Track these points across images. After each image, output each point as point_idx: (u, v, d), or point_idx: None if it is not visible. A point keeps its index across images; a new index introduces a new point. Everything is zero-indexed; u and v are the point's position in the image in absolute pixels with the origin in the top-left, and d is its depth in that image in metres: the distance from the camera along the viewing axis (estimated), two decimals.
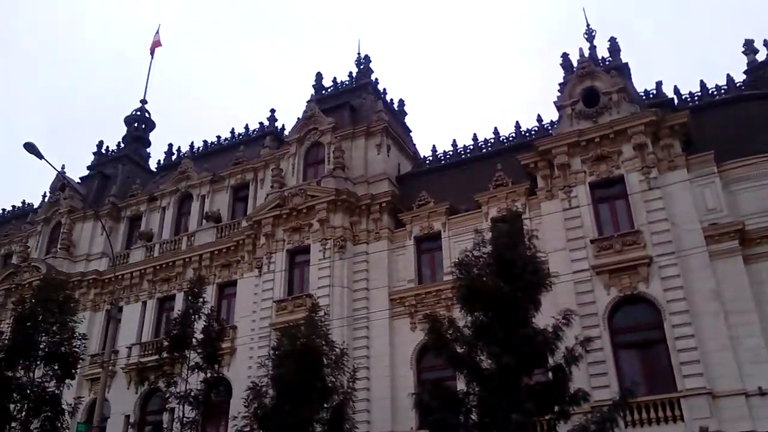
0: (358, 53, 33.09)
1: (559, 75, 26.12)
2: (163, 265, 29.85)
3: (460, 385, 17.63)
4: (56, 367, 23.12)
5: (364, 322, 23.87)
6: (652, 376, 19.61)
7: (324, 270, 24.72)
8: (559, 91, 25.45)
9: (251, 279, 27.09)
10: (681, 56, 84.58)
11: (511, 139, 27.89)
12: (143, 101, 41.06)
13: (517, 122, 28.16)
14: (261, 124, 34.58)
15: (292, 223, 26.32)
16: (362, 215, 25.94)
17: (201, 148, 35.67)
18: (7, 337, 23.98)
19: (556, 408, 15.60)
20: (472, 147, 28.53)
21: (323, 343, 19.33)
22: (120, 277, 30.17)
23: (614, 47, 26.29)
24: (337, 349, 19.43)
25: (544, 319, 16.37)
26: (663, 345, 19.76)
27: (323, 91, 32.39)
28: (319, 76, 32.96)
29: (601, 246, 21.54)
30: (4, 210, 42.46)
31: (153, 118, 41.42)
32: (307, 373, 18.22)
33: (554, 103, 24.81)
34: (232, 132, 35.27)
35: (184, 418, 21.18)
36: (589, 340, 16.36)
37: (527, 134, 27.56)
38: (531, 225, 21.54)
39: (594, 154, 22.91)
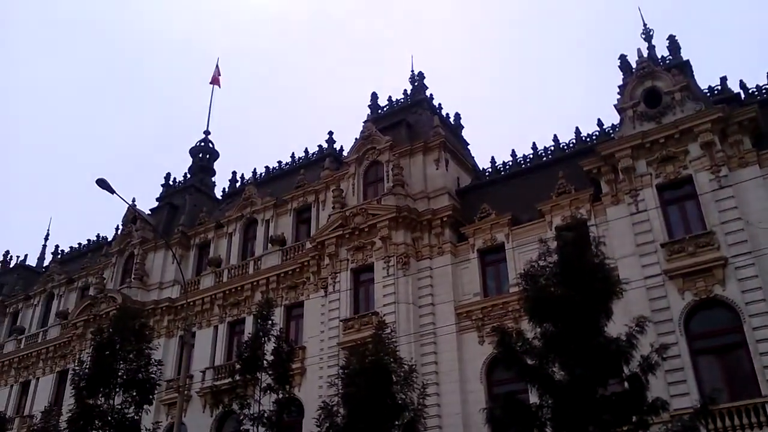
0: (412, 70, 33.31)
1: (618, 78, 25.59)
2: (232, 290, 30.50)
3: (533, 398, 17.24)
4: (134, 394, 23.84)
5: (431, 338, 23.73)
6: (734, 381, 18.77)
7: (389, 287, 24.76)
8: (618, 93, 24.89)
9: (317, 299, 27.37)
10: (745, 50, 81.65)
11: (571, 145, 27.44)
12: (206, 132, 42.43)
13: (576, 128, 27.69)
14: (320, 146, 35.15)
15: (355, 242, 26.52)
16: (424, 231, 25.91)
17: (263, 174, 36.53)
18: (87, 366, 24.90)
19: (634, 418, 15.04)
20: (531, 156, 28.20)
21: (392, 360, 19.29)
22: (192, 303, 30.95)
23: (674, 45, 25.58)
24: (405, 366, 19.35)
25: (616, 327, 15.85)
26: (744, 349, 18.92)
27: (379, 110, 32.67)
28: (374, 96, 33.27)
29: (672, 249, 20.85)
30: (80, 244, 44.39)
31: (216, 147, 42.75)
32: (378, 390, 18.17)
33: (614, 106, 24.31)
34: (293, 156, 35.99)
35: None
36: (666, 347, 15.77)
37: (588, 139, 27.06)
38: (597, 232, 21.02)
39: (660, 156, 22.29)
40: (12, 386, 37.62)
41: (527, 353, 16.00)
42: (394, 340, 20.77)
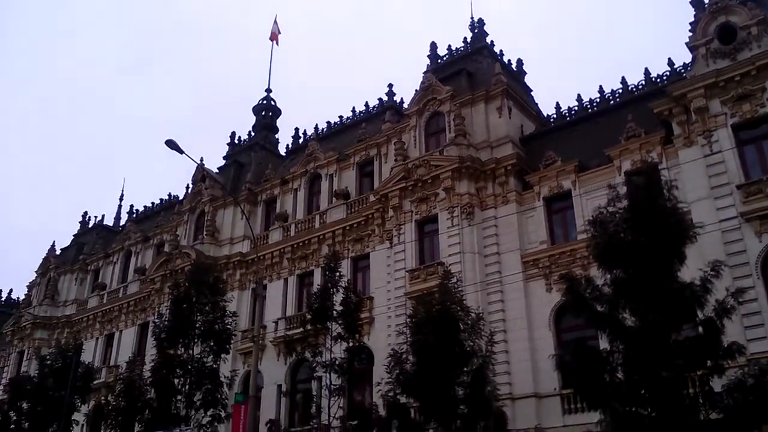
0: (471, 17, 32.63)
1: (690, 14, 24.40)
2: (300, 244, 31.20)
3: (603, 344, 17.18)
4: (212, 344, 24.93)
5: (497, 287, 23.79)
6: None
7: (453, 237, 24.82)
8: (690, 31, 23.77)
9: (383, 251, 27.73)
10: None
11: (640, 87, 26.51)
12: (268, 90, 42.96)
13: (646, 69, 26.66)
14: (380, 99, 35.08)
15: (419, 194, 26.58)
16: (488, 180, 25.74)
17: (325, 129, 36.84)
18: (167, 319, 26.13)
19: (709, 363, 14.85)
20: (598, 100, 27.42)
21: (458, 308, 19.51)
22: (262, 257, 31.87)
23: None
24: (472, 314, 19.55)
25: (690, 272, 15.52)
26: None
27: (439, 60, 32.25)
28: (433, 46, 32.80)
29: (749, 191, 20.11)
30: (153, 203, 46.09)
31: (278, 104, 43.25)
32: (445, 338, 18.46)
33: (686, 44, 23.26)
34: (353, 110, 36.09)
35: (332, 385, 22.21)
36: (742, 291, 15.36)
37: (658, 80, 26.07)
38: (669, 175, 20.36)
39: (735, 94, 21.33)
40: (98, 339, 39.87)
41: (597, 300, 15.90)
42: (460, 289, 20.95)
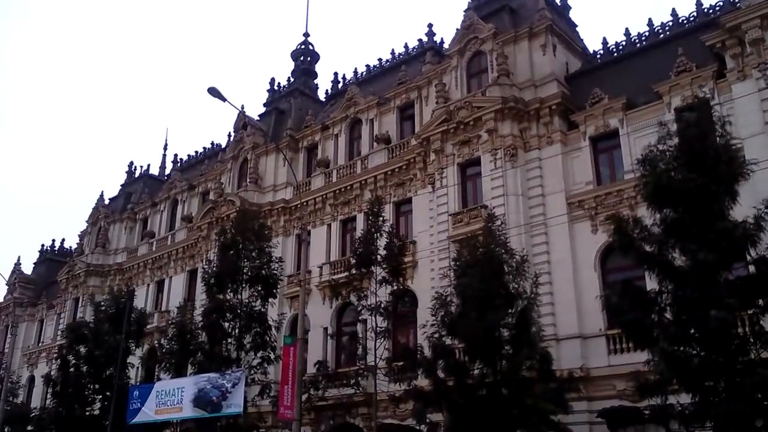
0: None
1: None
2: (342, 189, 31.29)
3: (649, 285, 16.96)
4: (259, 288, 25.53)
5: (542, 229, 23.56)
6: None
7: (497, 180, 24.54)
8: None
9: (425, 195, 27.65)
10: None
11: (692, 19, 25.36)
12: (306, 34, 42.42)
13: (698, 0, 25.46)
14: (420, 41, 34.44)
15: (461, 137, 26.22)
16: (532, 121, 25.20)
17: (364, 73, 36.47)
18: (215, 265, 26.75)
19: (760, 302, 14.58)
20: (647, 33, 26.35)
21: (503, 251, 19.46)
22: (305, 203, 32.11)
23: None
24: (517, 256, 19.49)
25: (742, 210, 15.09)
26: None
27: None
28: None
29: None
30: (196, 152, 46.71)
31: (316, 49, 42.80)
32: (490, 280, 18.49)
33: None
34: (393, 53, 35.53)
35: (377, 328, 22.57)
36: None
37: (710, 11, 24.89)
38: (721, 111, 19.66)
39: None
40: (148, 285, 41.11)
41: (645, 240, 15.65)
42: (504, 232, 20.85)
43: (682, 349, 14.64)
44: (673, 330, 14.79)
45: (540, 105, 24.99)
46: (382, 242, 24.12)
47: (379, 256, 23.65)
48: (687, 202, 14.90)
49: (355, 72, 36.84)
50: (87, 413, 30.10)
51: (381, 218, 24.40)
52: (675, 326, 14.85)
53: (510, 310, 18.73)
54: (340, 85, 38.05)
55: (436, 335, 19.23)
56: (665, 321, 15.12)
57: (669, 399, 15.20)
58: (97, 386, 30.58)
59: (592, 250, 22.62)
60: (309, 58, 42.29)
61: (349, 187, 31.01)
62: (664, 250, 15.44)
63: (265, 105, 40.53)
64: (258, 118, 38.88)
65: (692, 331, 14.73)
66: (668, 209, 15.44)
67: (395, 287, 24.01)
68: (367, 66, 36.44)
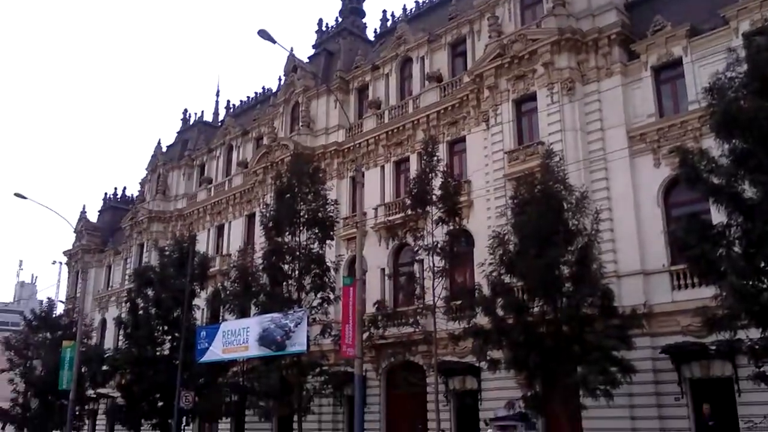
0: None
1: None
2: (394, 130, 31.05)
3: (715, 220, 16.47)
4: (317, 231, 25.89)
5: (601, 164, 22.98)
6: None
7: (554, 115, 23.91)
8: None
9: (479, 133, 27.21)
10: None
11: None
12: None
13: None
14: None
15: (515, 72, 25.50)
16: (590, 52, 24.27)
17: (414, 10, 35.62)
18: (272, 209, 27.17)
19: None
20: None
21: (562, 187, 19.15)
22: (357, 145, 32.07)
23: None
24: (577, 193, 19.16)
25: None
26: None
27: None
28: None
29: None
30: (248, 97, 46.97)
31: None
32: (549, 217, 18.30)
33: None
34: None
35: (435, 267, 22.70)
36: None
37: None
38: None
39: None
40: (209, 230, 42.14)
41: (713, 172, 15.15)
42: (562, 168, 20.46)
43: (751, 283, 14.33)
44: (741, 264, 14.43)
45: (598, 35, 24.00)
46: (436, 182, 24.04)
47: (434, 196, 23.62)
48: (758, 131, 14.28)
49: (404, 9, 36.03)
50: (158, 353, 31.51)
51: (435, 158, 24.21)
52: (744, 260, 14.48)
53: (570, 248, 18.57)
54: (389, 23, 37.29)
55: (495, 273, 19.26)
56: (733, 255, 14.74)
57: (737, 334, 15.01)
58: (166, 327, 31.88)
59: (655, 184, 22.00)
60: None
61: (401, 128, 30.74)
62: (733, 182, 14.95)
63: (314, 47, 40.22)
64: (307, 61, 38.64)
65: (762, 264, 14.36)
66: (737, 139, 14.87)
67: (451, 227, 24.00)
68: (417, 2, 35.58)
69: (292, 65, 37.16)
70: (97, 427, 44.70)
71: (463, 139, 28.57)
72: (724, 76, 15.42)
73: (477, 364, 22.50)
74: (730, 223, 14.96)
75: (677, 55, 22.46)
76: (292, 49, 36.96)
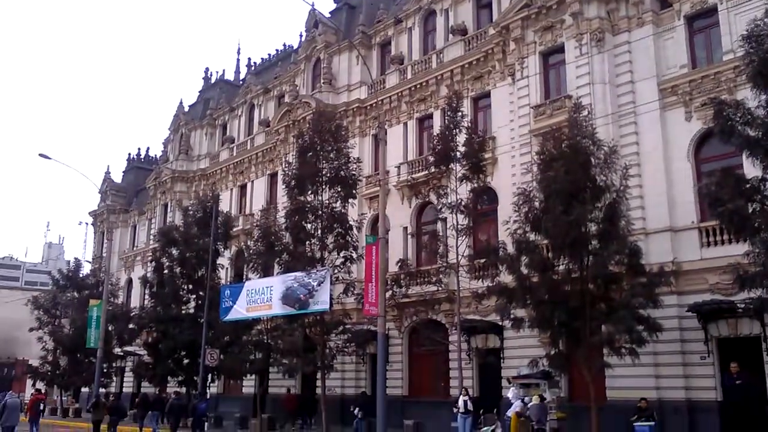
0: None
1: None
2: (417, 86, 30.40)
3: (747, 175, 15.86)
4: (339, 189, 25.62)
5: (631, 118, 22.24)
6: None
7: (582, 68, 23.13)
8: None
9: (504, 88, 26.51)
10: None
11: None
12: None
13: None
14: None
15: (543, 23, 24.65)
16: (620, 1, 23.26)
17: None
18: (294, 168, 26.92)
19: None
20: None
21: (590, 142, 18.57)
22: (380, 102, 31.52)
23: None
24: (605, 148, 18.58)
25: None
26: None
27: None
28: None
29: None
30: (269, 54, 46.40)
31: None
32: (577, 173, 17.78)
33: None
34: None
35: (459, 225, 22.37)
36: None
37: None
38: None
39: None
40: (231, 189, 42.12)
41: (748, 124, 14.52)
42: (591, 122, 19.83)
43: None
44: None
45: None
46: (460, 139, 23.55)
47: (458, 153, 23.17)
48: None
49: None
50: (183, 311, 31.86)
51: (460, 113, 23.68)
52: None
53: (597, 204, 18.08)
54: None
55: (520, 231, 18.88)
56: None
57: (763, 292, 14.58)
58: (190, 286, 32.20)
59: (686, 138, 21.27)
60: None
61: (424, 83, 30.09)
62: None
63: (335, 1, 39.38)
64: (329, 16, 37.89)
65: None
66: None
67: (476, 184, 23.58)
68: None
69: (314, 21, 36.46)
70: (124, 384, 45.71)
71: (488, 95, 27.89)
72: (762, 22, 14.67)
73: (500, 323, 22.28)
74: (765, 177, 14.39)
75: (712, 2, 21.46)
76: (313, 4, 36.25)
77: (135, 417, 30.28)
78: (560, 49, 24.19)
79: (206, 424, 26.56)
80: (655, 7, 22.84)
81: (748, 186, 14.57)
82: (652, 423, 17.57)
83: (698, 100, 20.88)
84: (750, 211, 14.37)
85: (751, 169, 15.70)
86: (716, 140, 18.48)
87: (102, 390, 36.84)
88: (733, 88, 20.09)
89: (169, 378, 31.60)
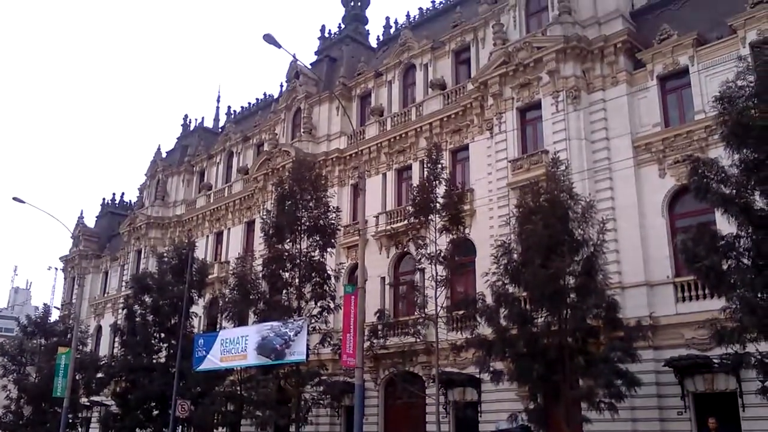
0: None
1: None
2: (397, 138, 30.82)
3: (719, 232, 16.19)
4: (318, 238, 25.57)
5: (606, 174, 22.74)
6: None
7: (558, 124, 23.70)
8: None
9: (483, 141, 26.98)
10: None
11: None
12: None
13: None
14: None
15: (520, 80, 25.30)
16: (595, 60, 24.07)
17: (417, 17, 35.61)
18: (273, 215, 26.86)
19: None
20: None
21: (568, 197, 18.88)
22: (359, 152, 31.81)
23: None
24: (582, 202, 18.89)
25: None
26: None
27: None
28: None
29: None
30: (249, 103, 46.82)
31: None
32: (555, 227, 18.02)
33: None
34: None
35: (438, 276, 22.38)
36: None
37: None
38: None
39: None
40: (207, 236, 41.79)
41: (722, 182, 14.90)
42: (568, 176, 20.19)
43: (761, 296, 14.05)
44: (751, 276, 14.15)
45: (604, 43, 23.81)
46: (440, 190, 23.77)
47: (437, 204, 23.35)
48: None
49: (408, 16, 36.00)
50: (154, 361, 31.11)
51: (440, 165, 23.98)
52: (754, 272, 14.20)
53: (575, 257, 18.28)
54: (392, 30, 37.19)
55: (499, 283, 18.95)
56: (743, 267, 14.47)
57: (746, 347, 14.73)
58: (162, 335, 31.52)
59: (660, 195, 21.76)
60: (359, 3, 41.38)
61: (404, 135, 30.51)
62: (743, 192, 14.69)
63: (316, 53, 40.06)
64: (310, 67, 38.46)
65: None
66: (748, 149, 14.62)
67: (454, 235, 23.72)
68: (420, 9, 35.55)
69: (294, 71, 36.97)
70: None
71: (466, 148, 28.34)
72: (734, 84, 15.20)
73: (478, 376, 22.15)
74: (739, 234, 14.69)
75: (683, 64, 22.27)
76: (295, 55, 36.67)
77: None
78: (537, 105, 24.78)
79: None
80: (628, 67, 23.62)
81: (723, 243, 14.85)
82: None
83: (671, 157, 21.46)
84: (725, 267, 14.61)
85: (724, 225, 16.07)
86: (689, 197, 18.98)
87: None
88: (705, 147, 20.69)
89: (137, 430, 30.61)
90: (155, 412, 30.07)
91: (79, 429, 41.75)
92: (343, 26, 40.15)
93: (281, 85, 40.38)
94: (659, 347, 20.32)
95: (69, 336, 38.89)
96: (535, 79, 24.83)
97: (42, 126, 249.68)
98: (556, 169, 19.78)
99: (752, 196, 14.62)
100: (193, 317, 32.41)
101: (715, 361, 18.30)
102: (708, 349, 18.62)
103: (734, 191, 14.65)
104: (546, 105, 24.31)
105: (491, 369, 19.14)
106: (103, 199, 60.27)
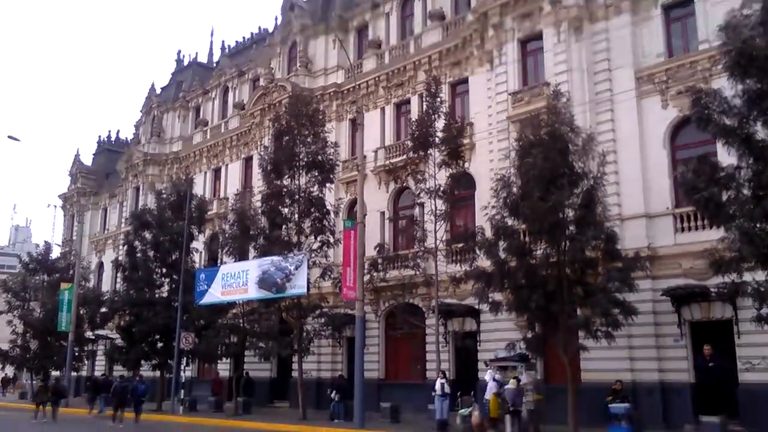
0: None
1: None
2: (395, 71, 30.33)
3: (724, 163, 16.17)
4: (316, 174, 25.56)
5: (607, 105, 22.50)
6: None
7: (560, 55, 23.30)
8: None
9: (483, 74, 26.60)
10: None
11: None
12: None
13: None
14: None
15: (521, 10, 24.75)
16: None
17: None
18: (271, 151, 26.74)
19: None
20: None
21: (569, 129, 18.76)
22: (357, 87, 31.38)
23: None
24: (583, 134, 18.78)
25: None
26: None
27: None
28: None
29: None
30: (244, 37, 45.87)
31: None
32: (555, 160, 17.96)
33: None
34: None
35: (437, 210, 22.47)
36: None
37: None
38: None
39: None
40: (205, 173, 41.60)
41: (725, 113, 14.79)
42: (569, 109, 20.02)
43: (759, 225, 14.15)
44: (750, 207, 14.22)
45: None
46: (439, 124, 23.61)
47: (436, 138, 23.23)
48: None
49: None
50: (156, 295, 31.53)
51: (439, 99, 23.71)
52: (753, 203, 14.26)
53: (575, 190, 18.30)
54: None
55: (498, 216, 19.03)
56: (743, 197, 14.51)
57: (743, 276, 14.95)
58: (164, 270, 31.84)
59: (662, 126, 21.61)
60: None
61: (402, 69, 30.03)
62: (745, 123, 14.61)
63: None
64: None
65: None
66: (751, 79, 14.45)
67: (454, 170, 23.69)
68: None
69: (290, 3, 36.10)
70: (96, 368, 45.20)
71: (465, 81, 27.95)
72: (740, 13, 14.90)
73: (477, 306, 22.52)
74: (740, 165, 14.68)
75: None
76: None
77: (87, 399, 31.05)
78: (538, 37, 24.33)
79: (143, 404, 25.90)
80: None
81: (723, 174, 14.85)
82: (627, 404, 17.95)
83: (674, 88, 21.22)
84: (725, 198, 14.66)
85: (725, 156, 16.03)
86: (691, 128, 18.85)
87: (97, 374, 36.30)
88: (709, 77, 20.42)
89: (142, 362, 31.31)
90: (160, 345, 30.69)
91: (86, 361, 42.75)
92: None
93: (276, 19, 39.60)
94: (657, 277, 20.57)
95: (71, 272, 39.30)
96: (536, 8, 24.30)
97: (36, 64, 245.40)
98: (557, 102, 19.59)
99: (754, 126, 14.54)
100: (194, 253, 32.67)
101: (713, 290, 18.60)
102: (705, 279, 18.85)
103: (736, 122, 14.56)
104: (547, 36, 23.86)
105: (490, 300, 19.42)
106: (99, 136, 59.88)
